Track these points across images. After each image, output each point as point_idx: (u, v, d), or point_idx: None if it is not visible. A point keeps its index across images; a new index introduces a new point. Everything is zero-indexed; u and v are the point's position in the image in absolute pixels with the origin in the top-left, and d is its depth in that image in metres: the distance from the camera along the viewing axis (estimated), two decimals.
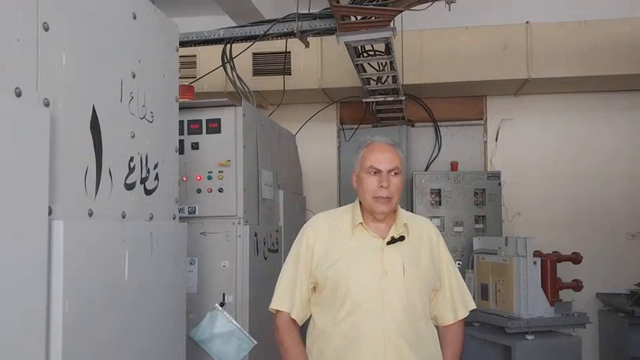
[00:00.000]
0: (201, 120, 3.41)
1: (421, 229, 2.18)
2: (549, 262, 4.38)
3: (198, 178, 3.38)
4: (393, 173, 2.06)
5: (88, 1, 1.75)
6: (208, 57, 4.85)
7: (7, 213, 1.34)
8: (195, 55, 5.19)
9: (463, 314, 2.21)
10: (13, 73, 1.41)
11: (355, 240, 2.09)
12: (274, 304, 2.12)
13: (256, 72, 5.32)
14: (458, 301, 2.21)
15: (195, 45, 4.19)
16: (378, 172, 2.05)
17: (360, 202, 2.14)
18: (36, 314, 1.45)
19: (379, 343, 1.97)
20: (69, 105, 1.63)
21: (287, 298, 2.10)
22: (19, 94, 1.42)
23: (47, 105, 1.53)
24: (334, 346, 2.02)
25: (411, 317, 2.03)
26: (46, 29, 1.54)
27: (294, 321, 2.10)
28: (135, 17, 2.00)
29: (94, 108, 1.75)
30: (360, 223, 2.10)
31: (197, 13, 5.52)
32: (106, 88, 1.84)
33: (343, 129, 6.00)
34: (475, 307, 2.29)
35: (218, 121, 3.40)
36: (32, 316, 1.43)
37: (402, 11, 3.45)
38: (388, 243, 2.07)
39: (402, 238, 2.09)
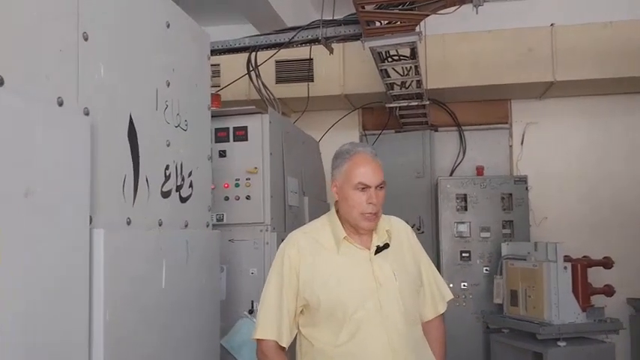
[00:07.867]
0: (228, 128, 3.40)
1: (398, 231, 2.10)
2: (580, 267, 4.31)
3: (226, 185, 3.37)
4: (379, 187, 1.96)
5: (124, 10, 1.76)
6: (231, 65, 4.87)
7: (50, 222, 1.34)
8: (218, 64, 5.21)
9: (443, 308, 2.16)
10: (56, 83, 1.42)
11: (343, 255, 1.97)
12: (260, 334, 1.94)
13: (279, 79, 5.34)
14: (437, 296, 2.15)
15: (220, 54, 4.20)
16: (366, 187, 1.93)
17: (336, 213, 2.03)
18: (79, 324, 1.45)
19: (387, 356, 1.89)
20: (107, 114, 1.64)
21: (274, 325, 1.94)
22: (61, 104, 1.43)
23: (87, 114, 1.53)
24: None
25: (410, 324, 1.97)
26: (86, 39, 1.55)
27: (282, 347, 1.97)
28: (168, 26, 2.01)
29: (130, 117, 1.76)
30: (345, 237, 1.99)
31: (217, 23, 5.53)
32: (142, 97, 1.84)
33: (366, 135, 5.97)
34: (452, 296, 2.21)
35: (245, 128, 3.40)
36: (75, 325, 1.43)
37: (428, 15, 3.42)
38: (375, 253, 1.98)
39: (386, 246, 2.00)
